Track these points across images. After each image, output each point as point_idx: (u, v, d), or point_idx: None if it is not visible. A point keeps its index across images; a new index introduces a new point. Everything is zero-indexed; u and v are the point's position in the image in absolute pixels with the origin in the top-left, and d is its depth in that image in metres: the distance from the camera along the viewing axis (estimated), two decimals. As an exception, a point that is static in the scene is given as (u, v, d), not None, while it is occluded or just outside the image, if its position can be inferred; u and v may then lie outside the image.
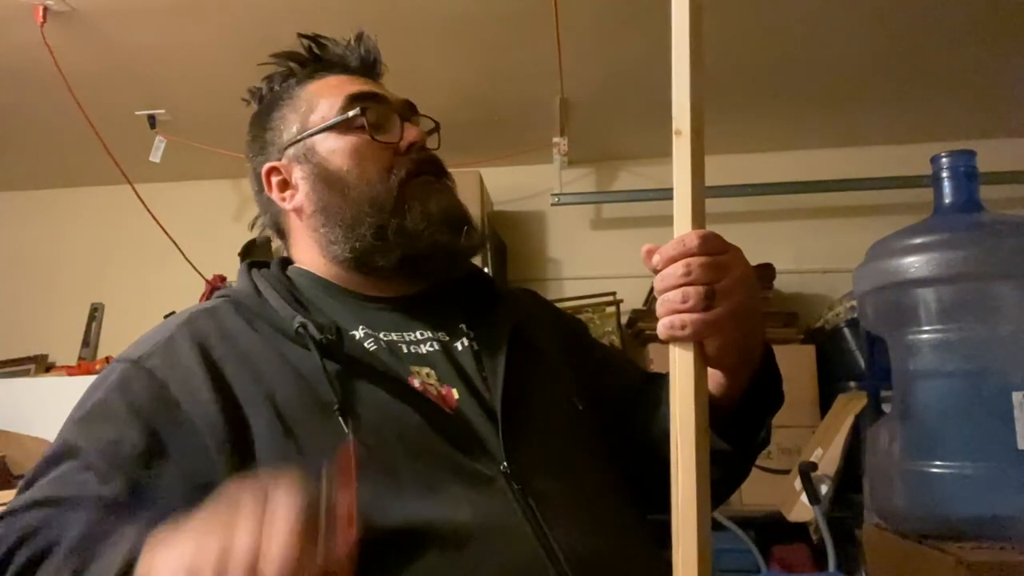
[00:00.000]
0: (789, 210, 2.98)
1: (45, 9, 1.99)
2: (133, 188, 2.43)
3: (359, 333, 0.83)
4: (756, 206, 2.96)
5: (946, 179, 1.15)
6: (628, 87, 2.46)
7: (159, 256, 2.63)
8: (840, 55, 2.35)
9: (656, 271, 0.72)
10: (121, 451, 0.73)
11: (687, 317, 0.69)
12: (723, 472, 0.81)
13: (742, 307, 0.70)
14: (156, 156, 2.60)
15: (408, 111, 0.93)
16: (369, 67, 0.97)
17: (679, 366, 0.70)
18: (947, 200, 1.15)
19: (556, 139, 2.74)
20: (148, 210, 2.43)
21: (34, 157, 2.97)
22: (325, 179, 0.88)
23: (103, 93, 2.34)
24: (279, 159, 0.91)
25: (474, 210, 2.69)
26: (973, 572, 0.93)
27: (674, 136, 0.71)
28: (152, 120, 2.56)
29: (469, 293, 0.94)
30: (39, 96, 2.39)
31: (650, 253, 0.73)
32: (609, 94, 2.53)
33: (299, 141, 0.90)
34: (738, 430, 0.82)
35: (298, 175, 0.90)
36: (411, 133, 0.89)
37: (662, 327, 0.71)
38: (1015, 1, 2.06)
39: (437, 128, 0.97)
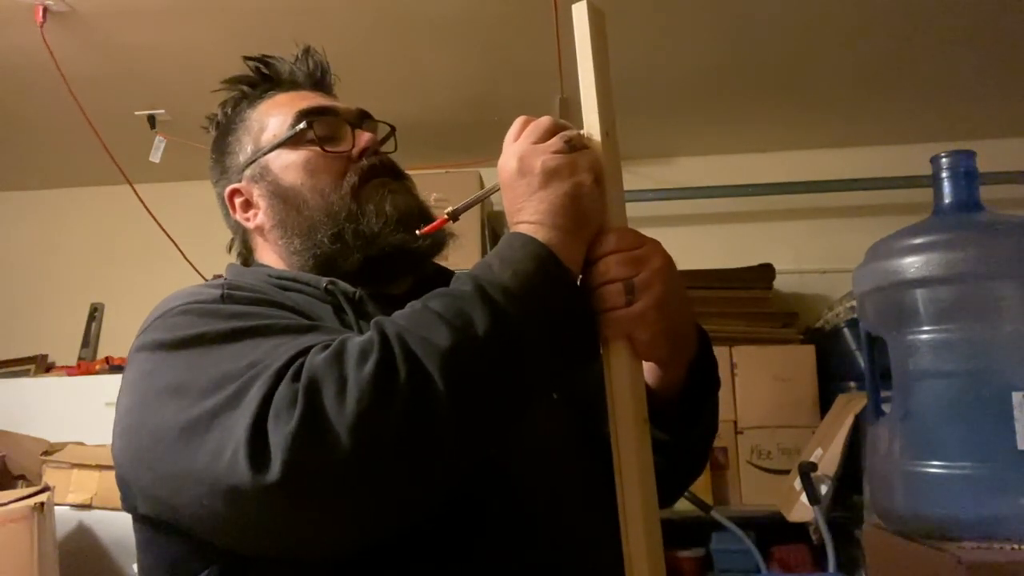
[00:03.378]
0: (789, 210, 2.98)
1: (45, 9, 1.99)
2: (133, 188, 2.43)
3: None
4: (756, 206, 2.96)
5: (946, 179, 1.15)
6: (627, 87, 2.46)
7: (159, 256, 2.63)
8: (840, 55, 2.35)
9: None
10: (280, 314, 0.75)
11: (610, 316, 0.70)
12: (670, 461, 0.83)
13: (664, 297, 0.71)
14: (156, 156, 2.61)
15: (359, 119, 0.94)
16: (318, 81, 0.99)
17: (612, 364, 0.71)
18: (947, 200, 1.15)
19: (556, 139, 2.74)
20: (148, 210, 2.43)
21: (34, 157, 2.97)
22: (281, 195, 0.90)
23: (103, 93, 2.35)
24: (239, 181, 0.93)
25: (474, 210, 2.69)
26: (973, 572, 0.93)
27: (588, 140, 0.74)
28: (152, 120, 2.57)
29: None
30: (39, 96, 2.39)
31: None
32: (609, 94, 2.53)
33: (254, 161, 0.92)
34: (681, 418, 0.83)
35: (257, 194, 0.92)
36: (362, 140, 0.90)
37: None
38: (1014, 1, 2.06)
39: (393, 132, 0.99)
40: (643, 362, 0.75)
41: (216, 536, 0.67)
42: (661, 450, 0.75)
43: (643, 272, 0.71)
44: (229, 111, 0.97)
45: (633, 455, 0.69)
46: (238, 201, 0.93)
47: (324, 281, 0.83)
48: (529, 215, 0.70)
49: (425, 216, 0.88)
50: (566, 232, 0.69)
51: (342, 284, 0.83)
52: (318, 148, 0.89)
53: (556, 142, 0.72)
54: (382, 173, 0.90)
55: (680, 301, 0.75)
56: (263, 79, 0.98)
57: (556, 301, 0.67)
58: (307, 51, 0.99)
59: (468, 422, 0.63)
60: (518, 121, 0.75)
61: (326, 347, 0.64)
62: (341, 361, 0.62)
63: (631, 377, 0.70)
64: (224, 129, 0.97)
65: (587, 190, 0.70)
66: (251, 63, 0.98)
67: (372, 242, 0.86)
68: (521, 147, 0.72)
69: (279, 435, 0.59)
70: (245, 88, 0.97)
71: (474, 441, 0.65)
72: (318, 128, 0.90)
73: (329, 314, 0.81)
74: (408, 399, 0.60)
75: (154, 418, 0.68)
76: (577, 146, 0.72)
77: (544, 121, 0.74)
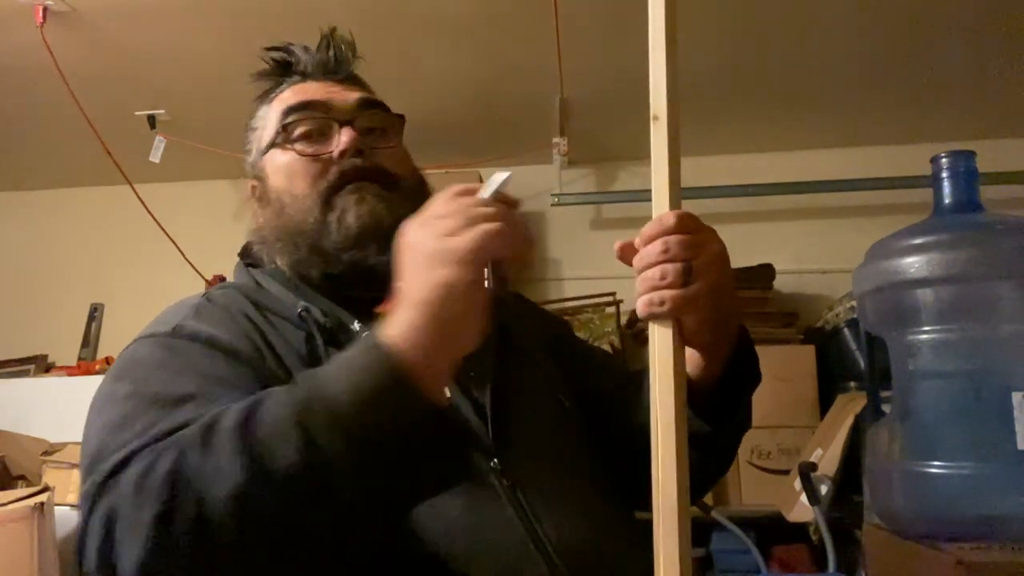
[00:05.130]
0: (789, 210, 2.98)
1: (45, 9, 1.99)
2: (133, 188, 2.43)
3: (356, 326, 0.84)
4: (756, 206, 2.96)
5: (946, 179, 1.15)
6: (628, 87, 2.45)
7: (159, 256, 2.63)
8: (840, 55, 2.35)
9: (627, 262, 0.74)
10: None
11: (666, 293, 0.70)
12: (705, 455, 0.82)
13: (718, 284, 0.72)
14: (156, 156, 2.61)
15: (356, 112, 0.89)
16: (331, 69, 0.95)
17: (658, 343, 0.71)
18: (947, 200, 1.15)
19: (556, 139, 2.75)
20: (148, 210, 2.43)
21: (34, 157, 2.97)
22: (267, 198, 0.89)
23: (103, 93, 2.35)
24: (253, 177, 0.94)
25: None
26: (973, 572, 0.93)
27: (652, 121, 0.74)
28: (152, 120, 2.57)
29: None
30: (39, 96, 2.39)
31: (622, 248, 0.75)
32: (609, 94, 2.53)
33: (258, 161, 0.92)
34: (717, 411, 0.83)
35: (259, 193, 0.92)
36: (342, 140, 0.86)
37: (641, 304, 0.72)
38: (1014, 1, 2.06)
39: (401, 121, 0.94)
40: (686, 350, 0.75)
41: None
42: (697, 443, 0.75)
43: (702, 256, 0.71)
44: (255, 104, 0.97)
45: (671, 436, 0.68)
46: (254, 196, 0.94)
47: (299, 307, 0.81)
48: (402, 302, 0.63)
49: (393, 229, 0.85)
50: (425, 337, 0.61)
51: (315, 312, 0.81)
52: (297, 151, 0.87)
53: (451, 222, 0.63)
54: (362, 177, 0.85)
55: (730, 292, 0.76)
56: (282, 70, 0.96)
57: (394, 428, 0.59)
58: (326, 36, 0.96)
59: (253, 557, 0.59)
60: (444, 193, 0.68)
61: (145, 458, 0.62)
62: (141, 485, 0.59)
63: (675, 358, 0.70)
64: (247, 123, 0.97)
65: (460, 286, 0.61)
66: (269, 53, 0.96)
67: (330, 259, 0.84)
68: (424, 221, 0.65)
69: (99, 543, 0.61)
70: (264, 82, 0.96)
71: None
72: (300, 127, 0.87)
73: (300, 341, 0.79)
74: (187, 553, 0.58)
75: (83, 450, 0.72)
76: (490, 216, 0.63)
77: (458, 191, 0.67)
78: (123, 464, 0.62)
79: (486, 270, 0.64)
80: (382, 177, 0.87)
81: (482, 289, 0.63)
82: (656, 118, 0.73)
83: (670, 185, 0.72)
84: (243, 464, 0.58)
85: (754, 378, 0.86)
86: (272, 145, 0.90)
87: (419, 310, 0.61)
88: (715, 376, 0.81)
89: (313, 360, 0.77)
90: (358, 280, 0.84)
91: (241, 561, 0.59)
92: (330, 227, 0.84)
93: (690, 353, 0.78)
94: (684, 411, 0.69)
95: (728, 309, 0.76)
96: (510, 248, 0.64)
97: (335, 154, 0.86)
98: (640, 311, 0.72)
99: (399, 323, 0.62)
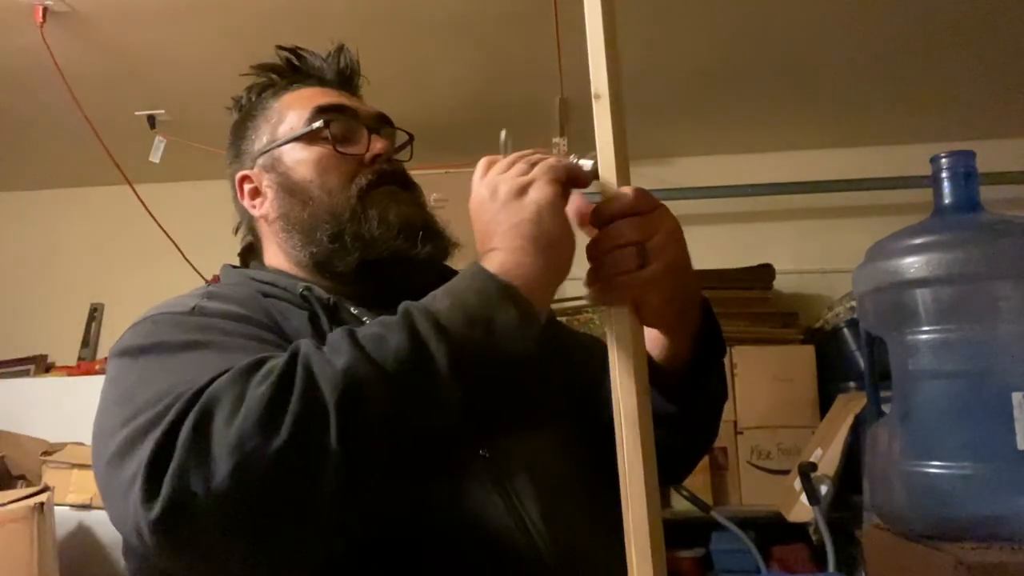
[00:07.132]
0: (789, 210, 2.98)
1: (45, 9, 1.99)
2: (133, 188, 2.43)
3: (354, 310, 0.85)
4: (756, 206, 2.96)
5: (946, 179, 1.15)
6: (627, 87, 2.45)
7: (159, 256, 2.63)
8: (840, 56, 2.35)
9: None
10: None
11: (621, 279, 0.69)
12: (682, 434, 0.83)
13: (675, 263, 0.71)
14: (156, 156, 2.61)
15: (378, 123, 0.94)
16: (346, 80, 0.99)
17: (616, 328, 0.69)
18: (947, 200, 1.15)
19: (556, 139, 2.75)
20: (148, 210, 2.43)
21: (34, 157, 2.97)
22: (289, 188, 0.90)
23: (103, 93, 2.35)
24: (251, 167, 0.94)
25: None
26: (973, 572, 0.93)
27: (593, 100, 0.73)
28: (152, 120, 2.57)
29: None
30: (39, 96, 2.40)
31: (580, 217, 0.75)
32: (609, 94, 2.54)
33: (268, 151, 0.92)
34: (686, 390, 0.82)
35: (266, 183, 0.93)
36: (376, 145, 0.91)
37: (596, 290, 0.71)
38: (1013, 1, 2.07)
39: (411, 141, 0.99)
40: (649, 332, 0.74)
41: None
42: (668, 423, 0.74)
43: (657, 236, 0.70)
44: (254, 97, 0.98)
45: (634, 422, 0.67)
46: (247, 187, 0.94)
47: (300, 287, 0.83)
48: (493, 242, 0.68)
49: (428, 229, 0.88)
50: (525, 255, 0.66)
51: (317, 291, 0.83)
52: (331, 147, 0.89)
53: (520, 165, 0.71)
54: (391, 181, 0.90)
55: (688, 267, 0.75)
56: (292, 70, 0.98)
57: (492, 337, 0.63)
58: (340, 49, 0.99)
59: (355, 448, 0.58)
60: (483, 161, 0.74)
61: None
62: (246, 379, 0.60)
63: (634, 344, 0.68)
64: (245, 113, 0.97)
65: (546, 205, 0.68)
66: (283, 53, 0.98)
67: (370, 246, 0.86)
68: (489, 178, 0.72)
69: (174, 464, 0.56)
70: (273, 76, 0.98)
71: (363, 469, 0.59)
72: (334, 127, 0.90)
73: (304, 321, 0.81)
74: (296, 420, 0.57)
75: (104, 428, 0.68)
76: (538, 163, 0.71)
77: (509, 157, 0.74)
78: (212, 381, 0.61)
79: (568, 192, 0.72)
80: (407, 184, 0.92)
81: (563, 210, 0.70)
82: (598, 97, 0.72)
83: (617, 163, 0.71)
84: (351, 352, 0.60)
85: (719, 350, 0.86)
86: (293, 139, 0.90)
87: (517, 236, 0.67)
88: (683, 355, 0.80)
89: (318, 338, 0.78)
90: (397, 268, 0.86)
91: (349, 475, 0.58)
92: (371, 220, 0.86)
93: (655, 334, 0.78)
94: (647, 398, 0.68)
95: (687, 287, 0.76)
96: (573, 173, 0.72)
97: (367, 157, 0.90)
98: (595, 297, 0.71)
99: (498, 251, 0.67)
